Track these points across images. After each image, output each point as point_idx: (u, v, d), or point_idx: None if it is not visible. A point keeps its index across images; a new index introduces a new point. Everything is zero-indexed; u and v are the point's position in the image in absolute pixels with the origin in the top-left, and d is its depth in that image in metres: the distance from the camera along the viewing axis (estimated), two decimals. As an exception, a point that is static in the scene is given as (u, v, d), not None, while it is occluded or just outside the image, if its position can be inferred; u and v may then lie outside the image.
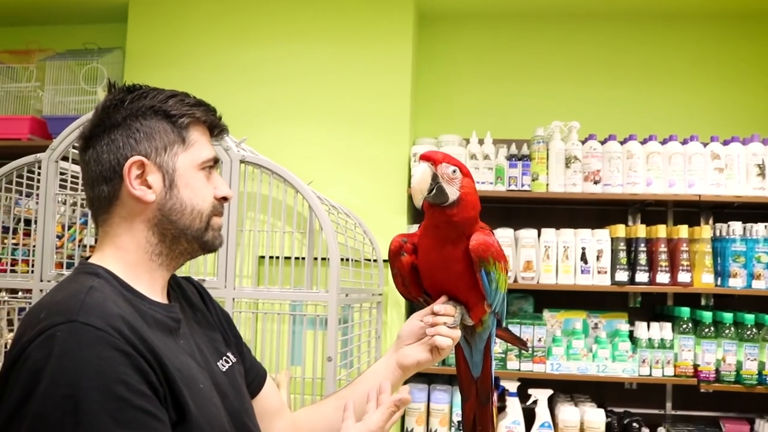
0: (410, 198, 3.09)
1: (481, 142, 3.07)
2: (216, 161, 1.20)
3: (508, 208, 3.30)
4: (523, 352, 2.94)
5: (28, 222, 2.65)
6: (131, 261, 1.12)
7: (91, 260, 1.14)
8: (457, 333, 1.32)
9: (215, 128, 1.21)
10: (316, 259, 2.31)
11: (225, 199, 1.19)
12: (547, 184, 3.03)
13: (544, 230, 3.03)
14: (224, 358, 1.24)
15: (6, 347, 2.61)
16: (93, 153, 1.12)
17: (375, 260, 2.88)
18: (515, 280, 2.99)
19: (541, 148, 3.02)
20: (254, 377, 1.35)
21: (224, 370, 1.21)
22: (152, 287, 1.14)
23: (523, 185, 3.01)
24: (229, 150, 2.21)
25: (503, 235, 3.01)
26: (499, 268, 1.34)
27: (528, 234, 3.01)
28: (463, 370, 1.48)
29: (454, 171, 1.29)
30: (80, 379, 0.90)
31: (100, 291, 1.02)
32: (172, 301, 1.20)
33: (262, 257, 2.40)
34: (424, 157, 1.29)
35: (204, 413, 1.06)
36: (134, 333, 0.98)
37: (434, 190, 1.26)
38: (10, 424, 0.92)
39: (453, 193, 1.28)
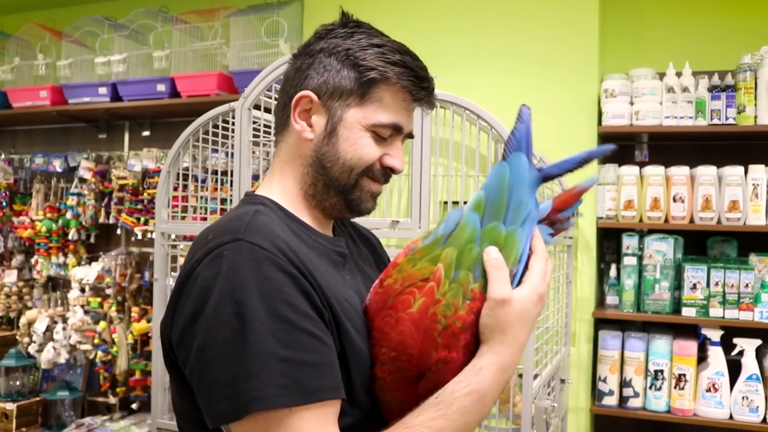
0: (600, 137, 2.93)
1: (678, 74, 2.84)
2: (398, 130, 1.11)
3: (710, 144, 3.04)
4: (728, 298, 2.73)
5: (220, 173, 2.77)
6: (292, 192, 1.13)
7: (257, 191, 1.15)
8: None
9: (414, 95, 1.10)
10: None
11: (392, 170, 1.12)
12: (756, 116, 2.75)
13: (751, 167, 2.77)
14: None
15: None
16: (290, 69, 1.15)
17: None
18: (718, 221, 2.77)
19: (748, 77, 2.75)
20: None
21: None
22: (316, 220, 1.14)
23: (727, 118, 2.76)
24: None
25: (705, 173, 2.78)
26: None
27: (733, 171, 2.76)
28: None
29: None
30: (246, 298, 0.91)
31: (266, 216, 1.03)
32: (338, 236, 1.19)
33: (445, 202, 2.35)
34: None
35: (366, 347, 1.03)
36: (297, 256, 0.97)
37: None
38: (184, 338, 0.95)
39: None
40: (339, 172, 1.09)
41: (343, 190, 1.10)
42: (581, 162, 1.10)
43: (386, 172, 1.12)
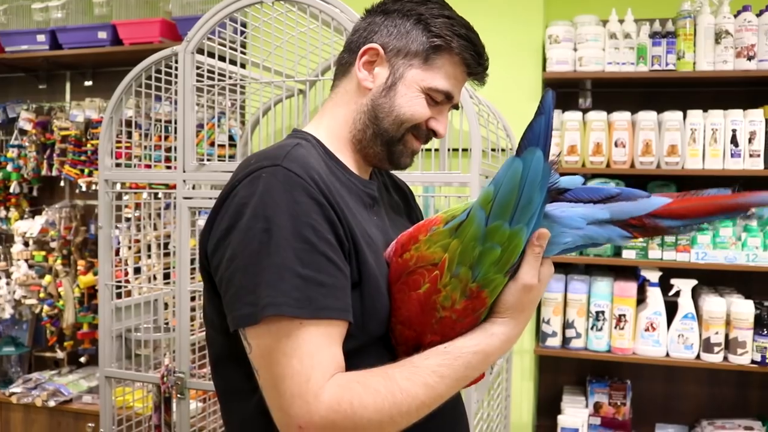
0: (545, 83, 2.96)
1: (621, 21, 2.88)
2: (449, 98, 1.20)
3: (650, 90, 3.10)
4: (666, 240, 2.81)
5: (164, 122, 2.73)
6: (339, 134, 1.21)
7: (306, 128, 1.24)
8: None
9: (471, 68, 1.20)
10: (449, 150, 2.25)
11: (435, 133, 1.22)
12: (694, 63, 2.81)
13: (690, 112, 2.83)
14: None
15: (158, 240, 2.74)
16: (361, 22, 1.23)
17: (511, 149, 2.79)
18: (658, 166, 2.84)
19: (687, 24, 2.80)
20: None
21: None
22: (355, 163, 1.22)
23: (667, 64, 2.81)
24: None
25: (645, 118, 2.84)
26: None
27: (672, 116, 2.83)
28: None
29: None
30: (275, 216, 0.99)
31: (306, 149, 1.11)
32: (373, 180, 1.27)
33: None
34: None
35: (384, 281, 1.10)
36: (328, 188, 1.05)
37: None
38: (218, 247, 1.04)
39: None
40: (390, 123, 1.18)
41: (389, 142, 1.19)
42: (609, 197, 1.06)
43: (429, 134, 1.22)
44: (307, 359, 0.96)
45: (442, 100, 1.20)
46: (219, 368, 1.16)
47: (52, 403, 3.34)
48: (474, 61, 1.19)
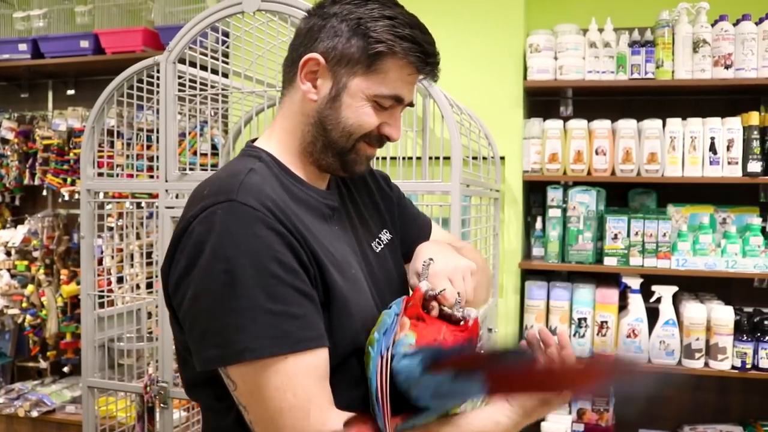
0: (526, 91, 2.98)
1: (600, 30, 2.91)
2: (399, 100, 1.15)
3: (630, 98, 3.13)
4: (647, 247, 2.84)
5: (146, 131, 2.73)
6: (291, 147, 1.18)
7: (257, 142, 1.21)
8: None
9: (419, 69, 1.14)
10: (431, 158, 2.27)
11: (388, 137, 1.17)
12: (673, 71, 2.85)
13: (669, 120, 2.87)
14: (377, 240, 1.29)
15: (141, 250, 2.73)
16: (302, 26, 1.17)
17: (492, 157, 2.81)
18: (638, 173, 2.87)
19: (666, 33, 2.83)
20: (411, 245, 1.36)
21: (378, 251, 1.27)
22: (311, 174, 1.19)
23: (646, 73, 2.85)
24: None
25: (625, 126, 2.87)
26: None
27: (652, 125, 2.86)
28: None
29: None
30: (237, 256, 0.98)
31: (259, 174, 1.09)
32: (331, 188, 1.24)
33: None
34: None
35: (354, 297, 1.10)
36: (285, 215, 1.03)
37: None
38: (180, 285, 1.03)
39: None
40: (338, 135, 1.14)
41: (340, 152, 1.15)
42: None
43: (382, 139, 1.17)
44: (301, 392, 0.98)
45: (392, 104, 1.15)
46: (192, 389, 1.17)
47: (35, 414, 3.32)
48: (421, 62, 1.13)
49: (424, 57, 1.13)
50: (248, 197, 1.02)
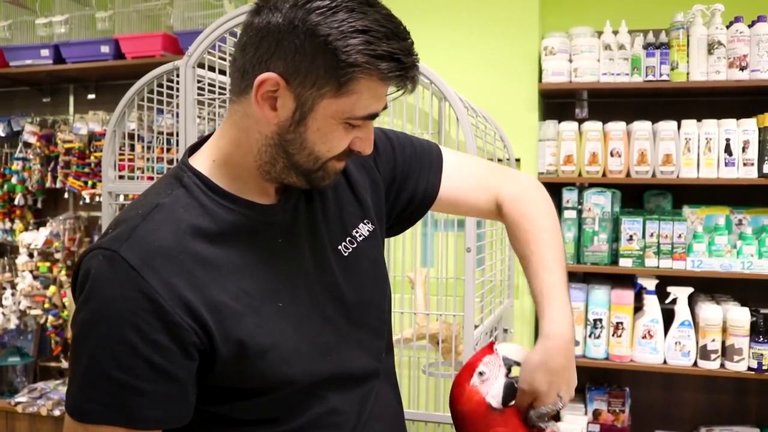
0: (541, 94, 3.00)
1: (615, 32, 2.92)
2: (373, 117, 1.01)
3: (645, 100, 3.14)
4: (662, 248, 2.84)
5: (166, 135, 2.78)
6: (241, 162, 1.03)
7: (201, 149, 1.08)
8: None
9: (397, 85, 0.99)
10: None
11: (359, 152, 1.04)
12: (688, 73, 2.85)
13: (684, 122, 2.87)
14: (347, 240, 1.15)
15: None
16: (248, 32, 0.97)
17: (508, 159, 2.83)
18: (653, 175, 2.87)
19: (680, 35, 2.84)
20: (426, 184, 1.27)
21: (347, 254, 1.14)
22: (255, 190, 1.05)
23: (661, 75, 2.85)
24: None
25: (640, 128, 2.88)
26: None
27: (667, 126, 2.87)
28: None
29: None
30: (100, 310, 0.93)
31: (165, 211, 0.99)
32: (289, 194, 1.09)
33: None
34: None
35: (272, 333, 1.01)
36: (177, 269, 0.95)
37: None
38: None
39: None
40: (304, 159, 1.00)
41: (305, 173, 1.02)
42: None
43: (352, 152, 1.04)
44: None
45: (364, 122, 1.01)
46: None
47: (57, 413, 3.38)
48: (400, 79, 0.97)
49: (404, 73, 0.96)
50: (133, 252, 0.93)
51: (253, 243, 1.03)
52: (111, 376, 0.91)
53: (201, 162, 1.06)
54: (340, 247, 1.14)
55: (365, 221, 1.18)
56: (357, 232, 1.17)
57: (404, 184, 1.25)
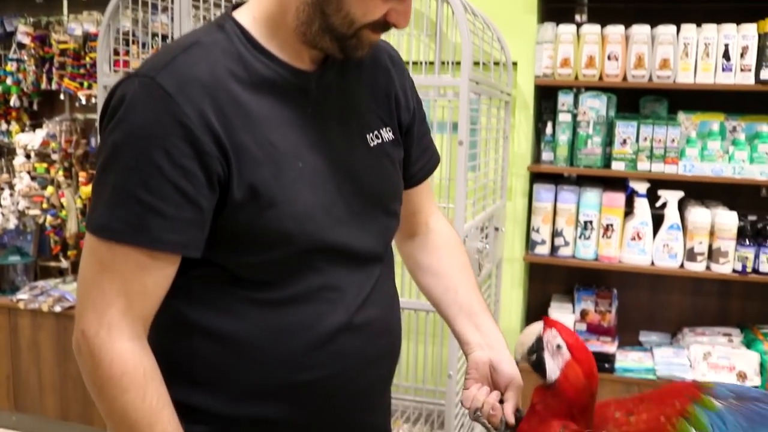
0: (540, -5, 2.97)
1: (617, -69, 2.88)
2: None
3: (645, 4, 3.10)
4: (655, 152, 2.87)
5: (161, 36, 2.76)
6: (279, 22, 1.05)
7: (243, 5, 1.09)
8: None
9: None
10: (443, 63, 2.29)
11: (395, 25, 1.05)
12: (689, -25, 2.83)
13: (683, 26, 2.86)
14: (374, 133, 1.17)
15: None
16: None
17: (505, 63, 2.83)
18: (650, 79, 2.88)
19: (683, -65, 2.80)
20: (419, 170, 1.32)
21: (372, 145, 1.16)
22: (292, 52, 1.07)
23: (662, -24, 2.83)
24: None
25: (638, 31, 2.87)
26: None
27: (666, 30, 2.85)
28: None
29: (559, 347, 1.14)
30: (131, 134, 0.96)
31: (204, 49, 1.02)
32: (326, 67, 1.11)
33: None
34: (544, 320, 1.19)
35: (287, 192, 1.03)
36: (212, 103, 0.98)
37: (534, 357, 1.16)
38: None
39: (552, 371, 1.14)
40: (340, 21, 1.01)
41: (339, 38, 1.03)
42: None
43: (388, 25, 1.05)
44: (119, 282, 0.97)
45: None
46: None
47: (57, 309, 3.45)
48: None
49: None
50: (169, 79, 0.96)
51: (284, 102, 1.06)
52: (138, 197, 0.94)
53: (243, 17, 1.07)
54: (368, 135, 1.16)
55: (388, 128, 1.20)
56: (385, 132, 1.19)
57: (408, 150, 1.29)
